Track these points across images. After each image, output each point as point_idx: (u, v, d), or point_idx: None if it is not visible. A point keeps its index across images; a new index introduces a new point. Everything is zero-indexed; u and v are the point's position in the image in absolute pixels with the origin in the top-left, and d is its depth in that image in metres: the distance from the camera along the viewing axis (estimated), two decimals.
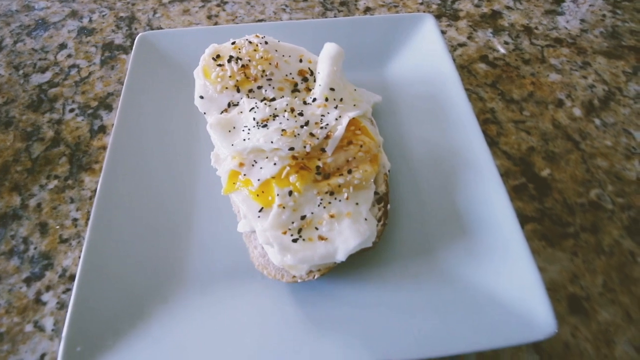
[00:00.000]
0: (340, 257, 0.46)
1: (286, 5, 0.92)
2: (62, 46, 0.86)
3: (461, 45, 0.85)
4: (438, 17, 0.91)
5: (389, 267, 0.52)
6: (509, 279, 0.49)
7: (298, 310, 0.48)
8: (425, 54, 0.71)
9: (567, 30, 0.88)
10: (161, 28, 0.88)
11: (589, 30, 0.89)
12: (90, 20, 0.91)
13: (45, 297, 0.56)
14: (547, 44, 0.86)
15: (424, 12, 0.92)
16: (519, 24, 0.90)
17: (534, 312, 0.46)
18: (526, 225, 0.61)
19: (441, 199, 0.57)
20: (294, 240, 0.46)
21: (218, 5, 0.93)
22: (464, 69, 0.81)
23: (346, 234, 0.46)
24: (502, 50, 0.82)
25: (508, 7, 0.94)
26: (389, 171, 0.57)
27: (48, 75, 0.81)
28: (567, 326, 0.53)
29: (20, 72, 0.81)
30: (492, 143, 0.70)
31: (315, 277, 0.48)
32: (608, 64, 0.82)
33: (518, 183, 0.66)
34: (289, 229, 0.47)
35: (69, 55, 0.84)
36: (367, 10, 0.92)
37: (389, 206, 0.54)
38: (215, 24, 0.88)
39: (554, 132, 0.72)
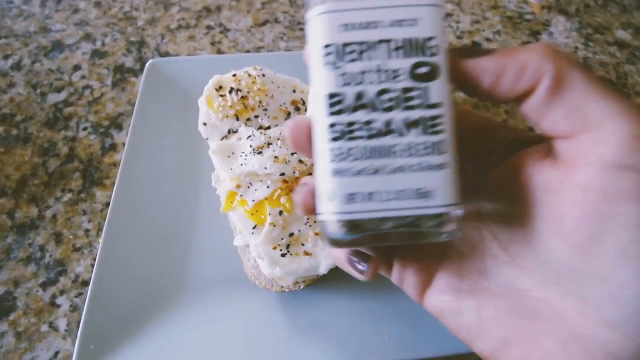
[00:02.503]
0: (322, 270, 0.53)
1: (283, 34, 1.00)
2: (77, 67, 0.93)
3: None
4: None
5: None
6: None
7: (285, 317, 0.55)
8: None
9: None
10: (169, 53, 0.96)
11: None
12: (103, 44, 0.98)
13: (60, 300, 0.62)
14: None
15: None
16: None
17: None
18: None
19: None
20: (283, 255, 0.53)
21: (221, 32, 1.00)
22: None
23: (328, 250, 0.53)
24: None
25: (488, 39, 1.02)
26: None
27: (63, 95, 0.88)
28: None
29: (38, 91, 0.89)
30: None
31: (301, 288, 0.55)
32: None
33: None
34: (279, 245, 0.54)
35: (83, 76, 0.91)
36: None
37: None
38: (218, 50, 0.96)
39: None
